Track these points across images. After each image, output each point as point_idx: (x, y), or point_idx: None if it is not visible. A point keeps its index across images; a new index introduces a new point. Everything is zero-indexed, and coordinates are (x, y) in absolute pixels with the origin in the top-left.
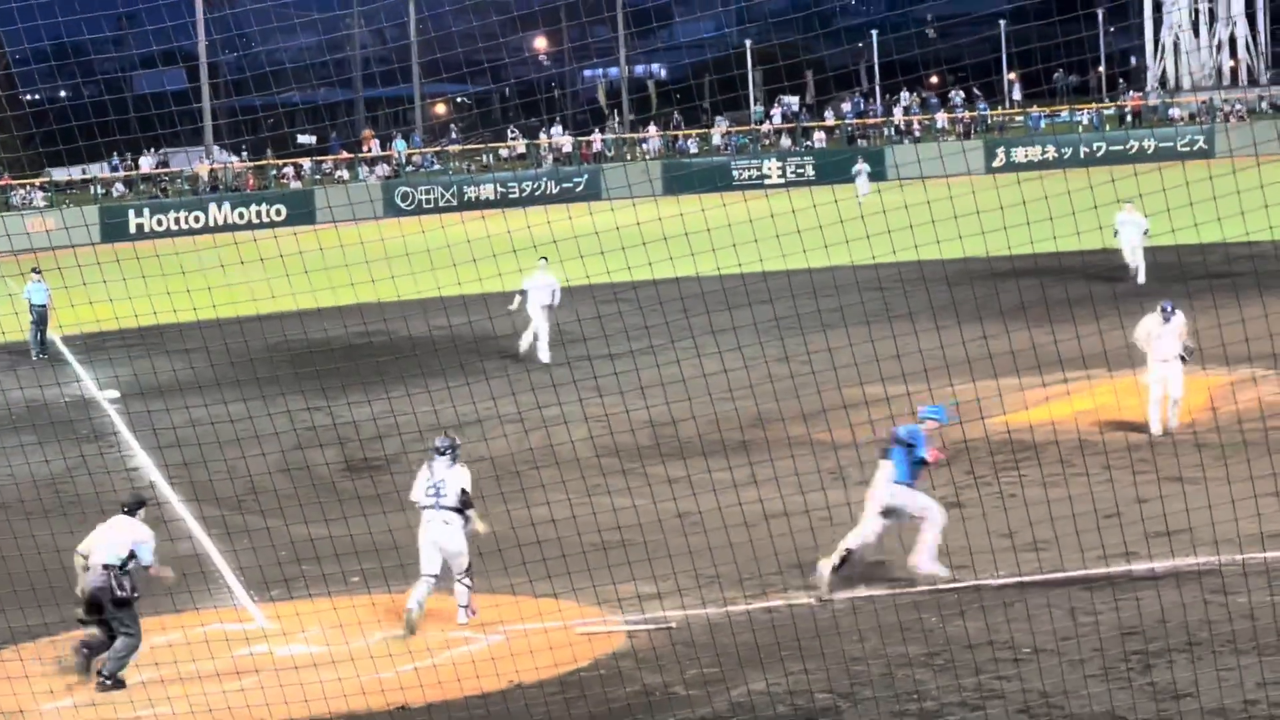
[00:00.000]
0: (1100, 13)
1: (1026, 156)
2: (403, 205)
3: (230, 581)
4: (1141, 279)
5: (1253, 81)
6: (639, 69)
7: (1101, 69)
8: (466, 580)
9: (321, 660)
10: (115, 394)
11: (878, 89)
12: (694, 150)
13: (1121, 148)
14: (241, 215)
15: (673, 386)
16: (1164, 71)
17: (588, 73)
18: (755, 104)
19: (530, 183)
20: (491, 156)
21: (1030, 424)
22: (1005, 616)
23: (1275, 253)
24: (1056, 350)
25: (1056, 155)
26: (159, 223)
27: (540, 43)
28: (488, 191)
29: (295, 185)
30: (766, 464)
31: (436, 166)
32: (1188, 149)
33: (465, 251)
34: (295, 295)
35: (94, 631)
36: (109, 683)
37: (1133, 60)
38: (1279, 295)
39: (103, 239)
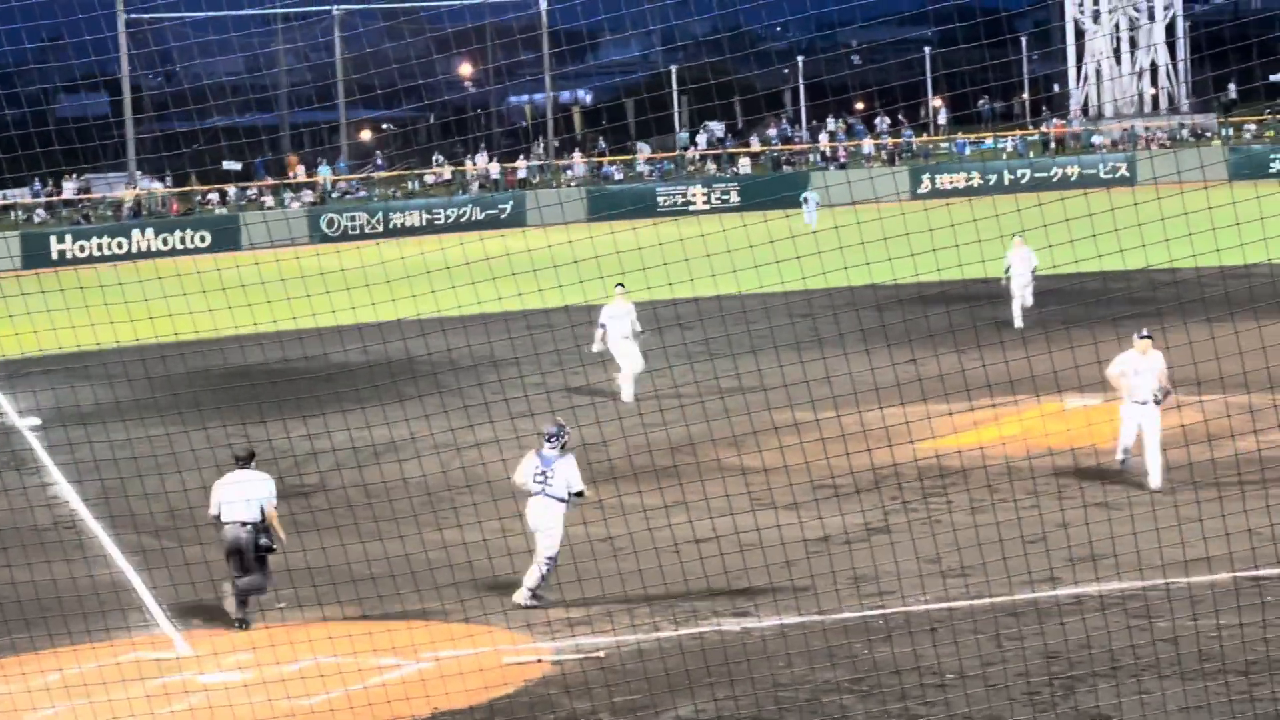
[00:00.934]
0: (1024, 40)
1: (951, 183)
2: (328, 231)
3: (152, 609)
4: (1020, 323)
5: (1173, 109)
6: (564, 95)
7: (1025, 96)
8: (546, 565)
9: (245, 687)
10: (36, 421)
11: (803, 115)
12: (619, 176)
13: (1045, 174)
14: (165, 241)
15: (603, 410)
16: (1086, 98)
17: (513, 98)
18: (680, 130)
19: (456, 209)
20: (417, 182)
21: (957, 449)
22: (931, 642)
23: (1198, 279)
24: (985, 375)
25: (981, 181)
26: (81, 249)
27: (466, 68)
28: (414, 218)
29: (220, 211)
30: (695, 487)
31: (362, 193)
32: (1110, 176)
33: (390, 277)
34: (219, 320)
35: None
36: (241, 623)
37: (1056, 87)
38: (1202, 322)
39: (24, 265)
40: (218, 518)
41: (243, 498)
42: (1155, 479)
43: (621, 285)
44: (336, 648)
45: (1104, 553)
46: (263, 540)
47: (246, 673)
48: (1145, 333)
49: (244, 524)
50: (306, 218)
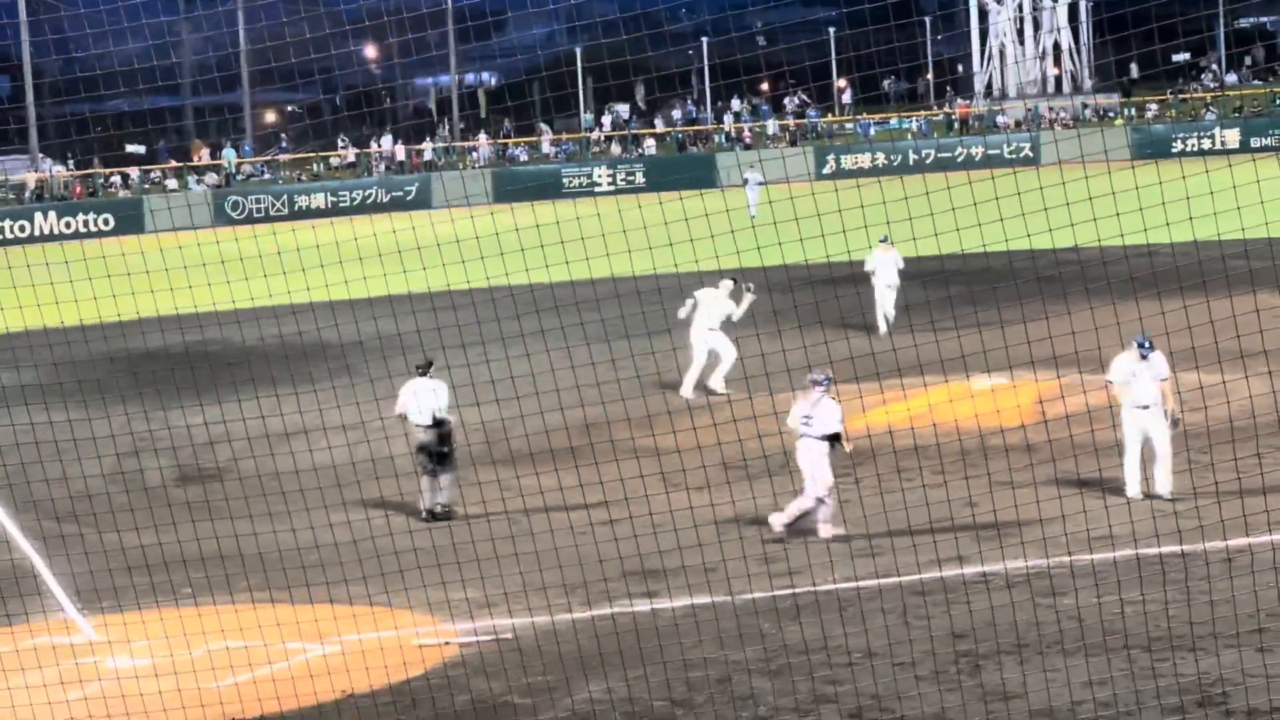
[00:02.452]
0: (928, 21)
1: (857, 163)
2: (233, 214)
3: (58, 594)
4: (884, 329)
5: (1077, 89)
6: (469, 77)
7: (930, 76)
8: (827, 499)
9: (152, 672)
10: None
11: (708, 96)
12: (524, 158)
13: (950, 154)
14: (68, 224)
15: (504, 393)
16: (991, 79)
17: (418, 81)
18: (585, 111)
19: (361, 191)
20: (322, 165)
21: (865, 429)
22: (839, 621)
23: (1101, 259)
24: (894, 357)
25: (886, 162)
26: None
27: (371, 51)
28: (319, 200)
29: (123, 194)
30: (606, 468)
31: (267, 175)
32: (1014, 156)
33: (296, 260)
34: (123, 305)
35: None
36: (444, 513)
37: (960, 68)
38: (1105, 301)
39: None
40: (403, 417)
41: (420, 405)
42: (1165, 485)
43: (735, 281)
44: (245, 632)
45: (1009, 530)
46: (442, 442)
47: (153, 658)
48: (1143, 339)
49: (426, 426)
50: (211, 201)
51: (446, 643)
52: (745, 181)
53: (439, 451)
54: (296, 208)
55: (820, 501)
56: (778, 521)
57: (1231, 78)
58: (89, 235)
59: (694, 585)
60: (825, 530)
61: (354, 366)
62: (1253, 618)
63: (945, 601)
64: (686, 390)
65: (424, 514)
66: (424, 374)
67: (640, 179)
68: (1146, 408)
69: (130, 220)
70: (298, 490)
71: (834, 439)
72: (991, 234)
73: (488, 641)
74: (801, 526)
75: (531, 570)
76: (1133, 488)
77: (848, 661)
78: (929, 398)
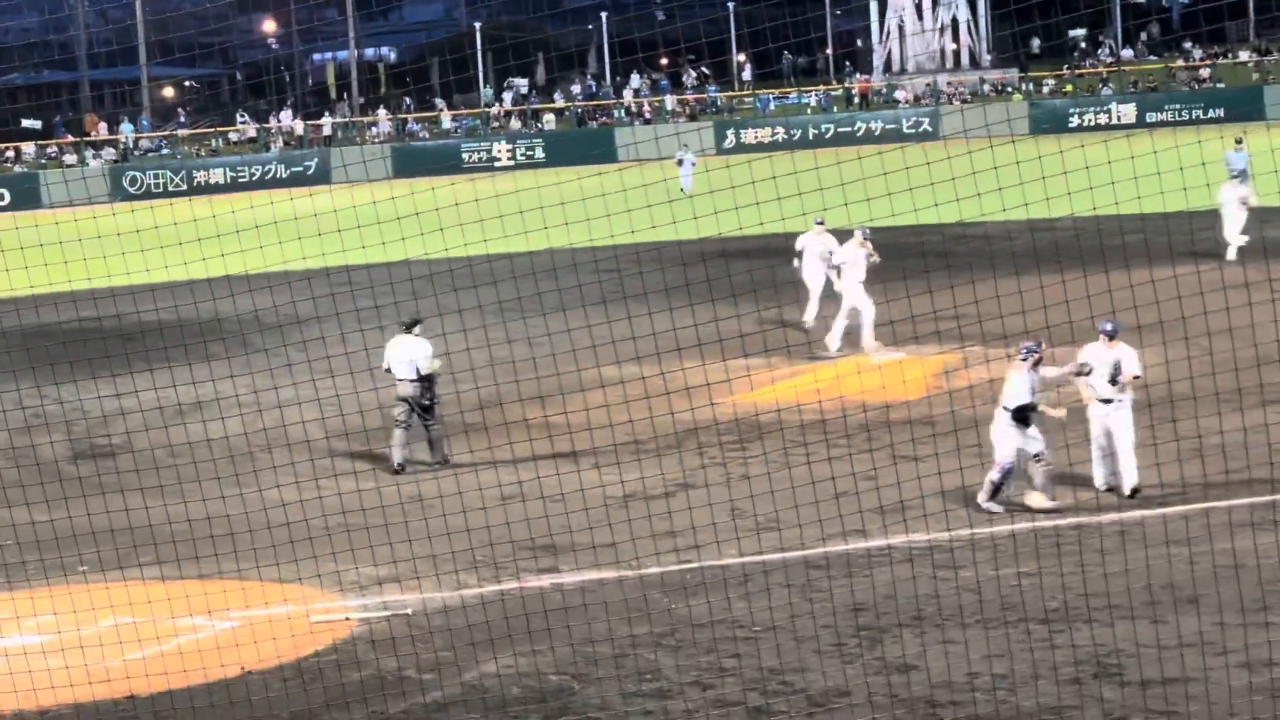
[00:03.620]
0: None
1: (756, 138)
2: (131, 189)
3: None
4: (812, 319)
5: (975, 64)
6: (369, 52)
7: (829, 51)
8: (1040, 465)
9: (48, 649)
10: None
11: (608, 71)
12: (424, 134)
13: (850, 129)
14: None
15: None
16: (889, 54)
17: (317, 56)
18: (485, 87)
19: (260, 166)
20: (221, 140)
21: (761, 404)
22: (739, 595)
23: (1003, 234)
24: (785, 331)
25: (785, 136)
26: None
27: (269, 25)
28: (217, 175)
29: (18, 169)
30: (503, 445)
31: (165, 150)
32: (913, 131)
33: (194, 235)
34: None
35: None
36: (443, 463)
37: (859, 43)
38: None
39: None
40: (389, 370)
41: (404, 359)
42: (1130, 480)
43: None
44: (140, 608)
45: (910, 504)
46: (425, 395)
47: (46, 635)
48: (1109, 326)
49: (410, 380)
50: (108, 176)
51: (345, 618)
52: (680, 161)
53: (421, 404)
54: (195, 183)
55: (1040, 465)
56: (982, 499)
57: (1128, 53)
58: None
59: (591, 560)
60: (1034, 500)
61: (250, 341)
62: (1146, 589)
63: (845, 575)
64: (835, 341)
65: (396, 467)
66: (408, 331)
67: (540, 154)
68: (1108, 401)
69: (26, 195)
70: (193, 465)
71: (1022, 411)
72: (889, 207)
73: (386, 617)
74: (1006, 498)
75: (431, 547)
76: (1098, 479)
77: (747, 635)
78: (833, 370)
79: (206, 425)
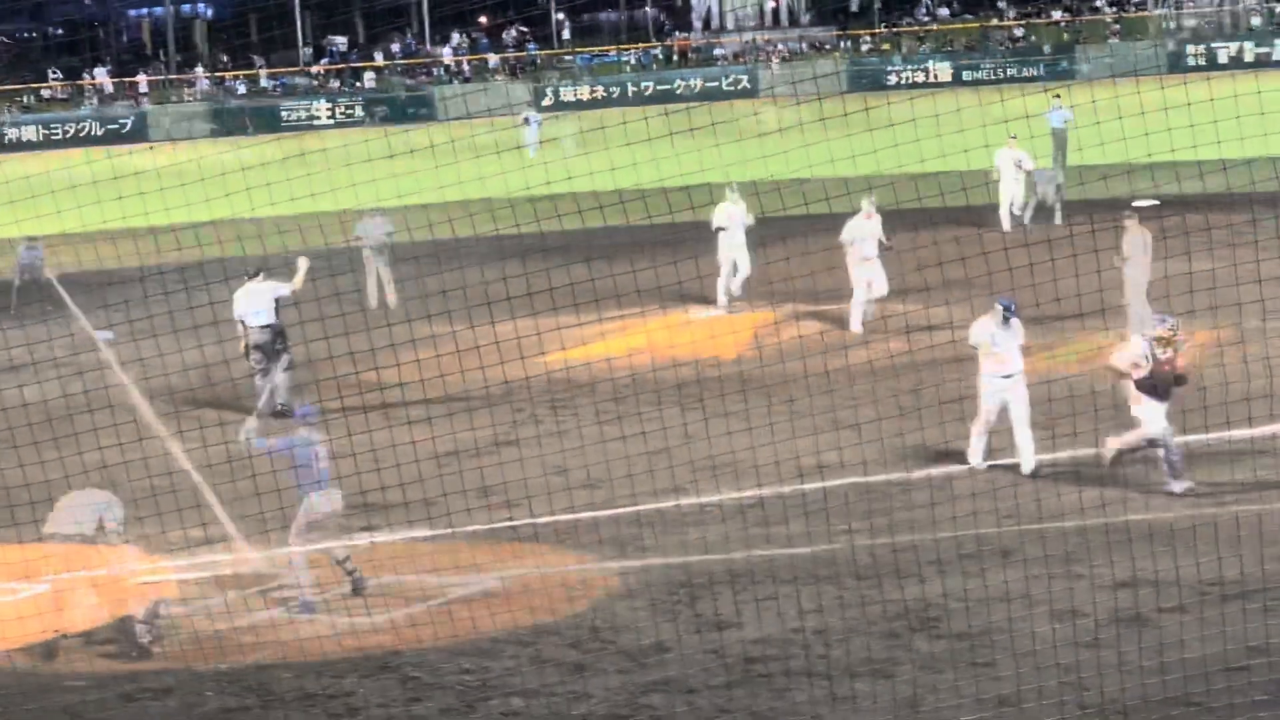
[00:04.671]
0: None
1: (576, 95)
2: None
3: None
4: (737, 292)
5: (794, 22)
6: (185, 8)
7: (648, 9)
8: (1173, 451)
9: None
10: None
11: (428, 29)
12: (242, 91)
13: (669, 87)
14: None
15: (225, 330)
16: (709, 11)
17: (132, 12)
18: (304, 45)
19: (75, 124)
20: (33, 97)
21: (582, 360)
22: (559, 554)
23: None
24: (613, 284)
25: (605, 94)
26: None
27: None
28: (30, 133)
29: None
30: (328, 402)
31: None
32: (732, 88)
33: (5, 193)
34: None
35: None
36: (284, 407)
37: (678, 1)
38: (822, 235)
39: None
40: (242, 322)
41: (255, 307)
42: (1028, 461)
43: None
44: None
45: (725, 462)
46: (278, 344)
47: None
48: (1007, 302)
49: (261, 326)
50: None
51: (166, 579)
52: (525, 120)
53: (273, 349)
54: (6, 140)
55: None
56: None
57: (944, 12)
58: None
59: (413, 518)
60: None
61: (64, 301)
62: (960, 544)
63: (664, 533)
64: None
65: (279, 408)
66: (253, 278)
67: (359, 113)
68: (1009, 376)
69: None
70: (7, 428)
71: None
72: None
73: (208, 578)
74: (1125, 461)
75: (254, 507)
76: (976, 457)
77: (567, 596)
78: (646, 328)
79: (21, 387)
